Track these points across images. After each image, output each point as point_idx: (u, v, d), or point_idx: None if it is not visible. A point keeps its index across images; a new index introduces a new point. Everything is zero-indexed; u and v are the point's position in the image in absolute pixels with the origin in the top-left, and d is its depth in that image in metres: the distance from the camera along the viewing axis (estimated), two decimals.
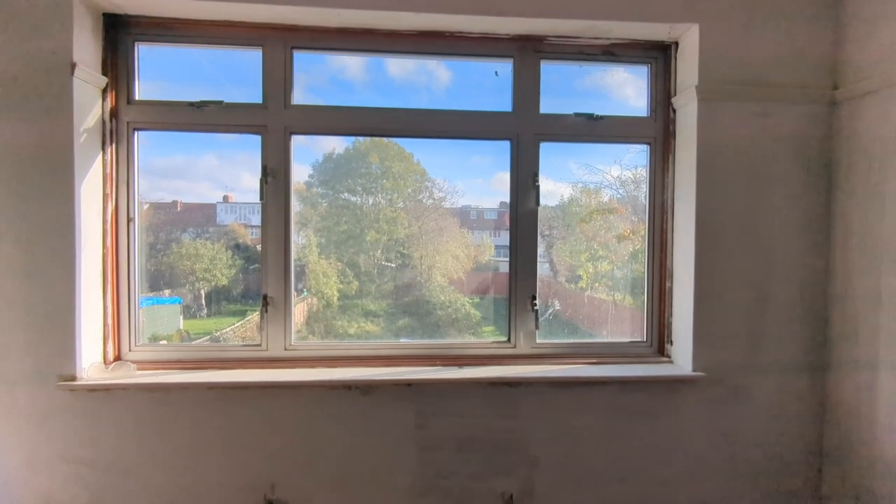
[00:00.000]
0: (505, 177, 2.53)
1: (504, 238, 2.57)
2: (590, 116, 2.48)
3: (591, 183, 2.61)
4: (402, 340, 2.56)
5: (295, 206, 2.47)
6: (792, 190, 2.34)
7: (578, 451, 2.35)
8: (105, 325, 2.33)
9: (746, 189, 2.33)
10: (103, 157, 2.28)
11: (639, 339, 2.61)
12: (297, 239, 2.49)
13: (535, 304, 2.49)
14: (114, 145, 2.32)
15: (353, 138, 2.57)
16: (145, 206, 2.48)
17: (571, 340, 2.60)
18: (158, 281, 2.56)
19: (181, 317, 2.62)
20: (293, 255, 2.46)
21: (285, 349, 2.46)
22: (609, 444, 2.35)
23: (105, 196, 2.30)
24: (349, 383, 2.24)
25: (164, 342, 2.53)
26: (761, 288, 2.35)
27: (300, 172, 2.49)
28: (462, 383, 2.28)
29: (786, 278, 2.35)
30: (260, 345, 2.46)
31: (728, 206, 2.32)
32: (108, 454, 2.20)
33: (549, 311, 2.66)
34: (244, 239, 2.62)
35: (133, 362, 2.36)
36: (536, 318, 2.49)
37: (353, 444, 2.27)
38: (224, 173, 2.53)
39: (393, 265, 2.63)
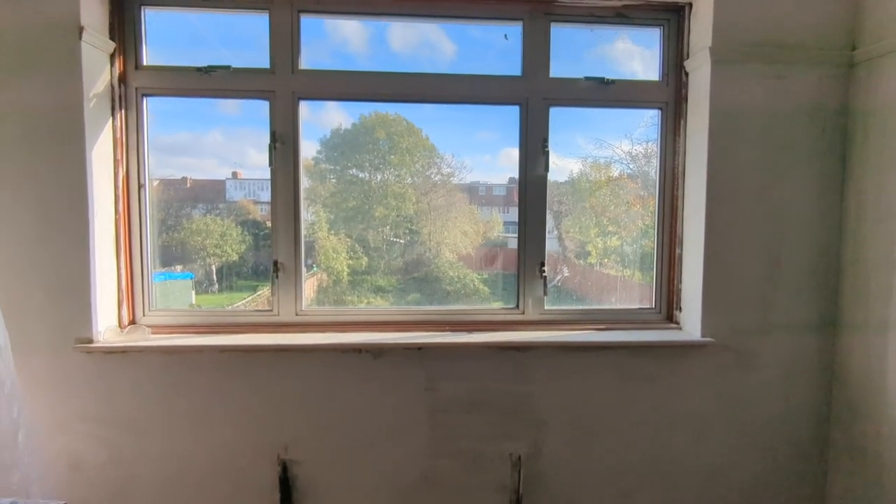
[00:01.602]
0: (512, 153, 2.51)
1: (513, 214, 2.57)
2: (601, 80, 2.44)
3: (602, 157, 2.59)
4: (411, 307, 2.57)
5: (304, 182, 2.48)
6: (806, 154, 2.31)
7: (586, 415, 2.37)
8: (119, 289, 2.37)
9: (759, 153, 2.30)
10: (113, 122, 2.29)
11: (647, 307, 2.61)
12: (306, 215, 2.50)
13: (544, 271, 2.49)
14: (123, 111, 2.32)
15: (359, 113, 2.56)
16: (156, 183, 2.50)
17: (580, 307, 2.61)
18: (170, 256, 2.59)
19: (193, 292, 2.65)
20: (303, 225, 2.47)
21: (296, 314, 2.49)
22: (616, 408, 2.38)
23: (116, 162, 2.31)
24: (360, 347, 2.27)
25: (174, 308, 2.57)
26: (773, 253, 2.33)
27: (308, 149, 2.48)
28: (471, 347, 2.31)
29: (798, 243, 2.33)
30: (271, 310, 2.49)
31: (740, 170, 2.29)
32: (125, 414, 2.25)
33: (558, 277, 2.66)
34: (254, 215, 2.64)
35: (147, 326, 2.40)
36: (545, 285, 2.50)
37: (364, 406, 2.31)
38: (230, 150, 2.53)
39: (402, 241, 2.63)
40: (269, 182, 2.43)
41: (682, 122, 2.46)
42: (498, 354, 2.32)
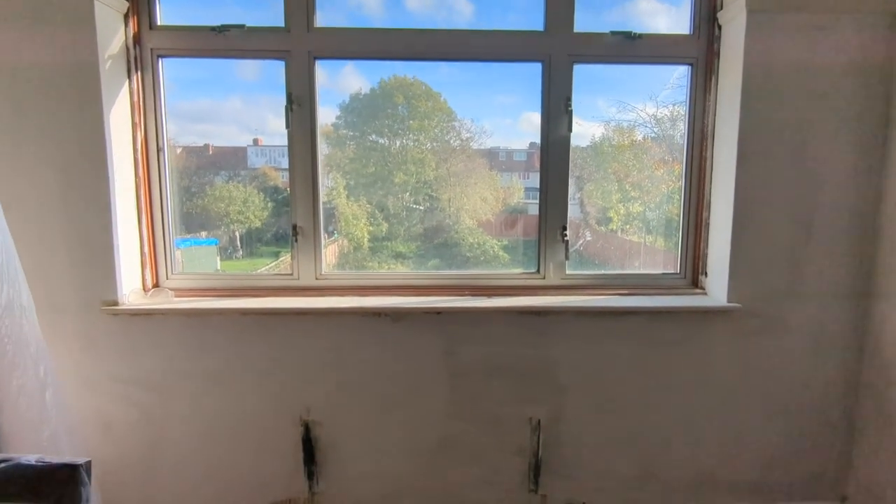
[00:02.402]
0: (533, 117, 2.43)
1: (534, 180, 2.52)
2: (627, 35, 2.33)
3: (625, 121, 2.50)
4: (431, 271, 2.56)
5: (323, 148, 2.45)
6: (846, 113, 2.19)
7: (607, 381, 2.36)
8: (142, 253, 2.39)
9: (795, 112, 2.18)
10: (129, 84, 2.27)
11: (672, 272, 2.55)
12: (326, 181, 2.49)
13: (566, 235, 2.44)
14: (139, 73, 2.30)
15: (378, 78, 2.51)
16: (179, 150, 2.51)
17: (602, 272, 2.56)
18: (195, 223, 2.60)
19: (218, 258, 2.67)
20: (321, 188, 2.45)
21: (316, 278, 2.49)
22: (638, 374, 2.35)
23: (134, 125, 2.30)
24: (379, 310, 2.27)
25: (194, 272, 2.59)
26: (806, 215, 2.24)
27: (327, 115, 2.45)
28: (491, 312, 2.29)
29: (833, 205, 2.24)
30: (291, 274, 2.50)
31: (774, 129, 2.19)
32: (152, 376, 2.30)
33: (580, 242, 2.61)
34: (275, 181, 2.64)
35: (170, 289, 2.43)
36: (566, 249, 2.45)
37: (385, 369, 2.33)
38: (250, 116, 2.51)
39: (421, 207, 2.61)
40: (287, 146, 2.41)
41: (713, 78, 2.34)
42: (518, 319, 2.30)
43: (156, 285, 2.47)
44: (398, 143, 2.53)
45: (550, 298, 2.39)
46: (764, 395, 2.38)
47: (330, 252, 2.58)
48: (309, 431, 2.35)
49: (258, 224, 2.62)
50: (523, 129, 2.55)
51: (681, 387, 2.37)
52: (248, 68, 2.47)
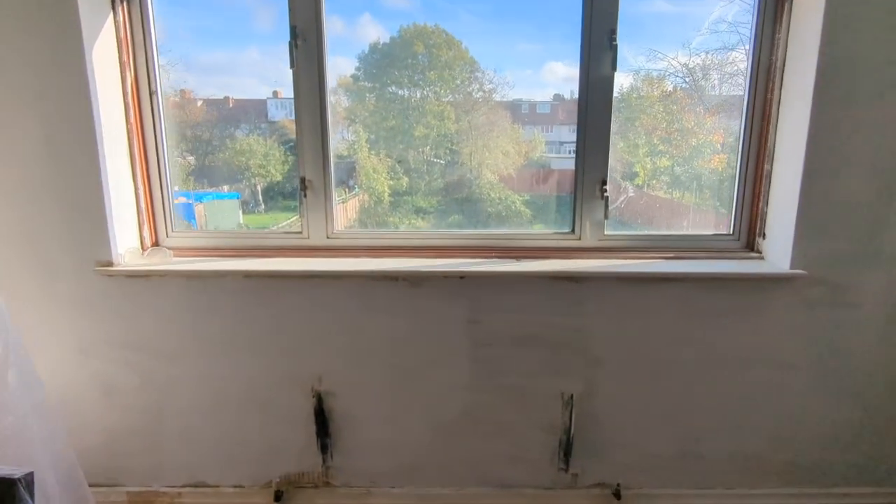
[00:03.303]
0: (556, 67, 2.19)
1: (557, 133, 2.42)
2: None
3: (655, 70, 2.25)
4: (453, 230, 2.31)
5: (343, 100, 2.29)
6: None
7: (648, 354, 2.12)
8: (138, 209, 2.19)
9: (886, 45, 1.83)
10: (114, 17, 2.00)
11: (724, 233, 2.26)
12: (346, 135, 2.40)
13: (606, 191, 2.16)
14: (124, 4, 2.03)
15: (398, 26, 2.31)
16: (199, 103, 2.42)
17: (645, 232, 2.28)
18: (217, 176, 2.54)
19: (240, 211, 2.59)
20: (331, 136, 2.20)
21: (327, 237, 2.27)
22: (683, 347, 2.11)
23: (122, 65, 2.05)
24: (396, 274, 2.05)
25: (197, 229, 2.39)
26: (890, 170, 1.92)
27: (345, 66, 2.29)
28: (520, 277, 2.05)
29: None
30: (300, 232, 2.28)
31: (860, 61, 1.84)
32: (152, 340, 2.14)
33: (622, 199, 2.32)
34: (295, 135, 2.41)
35: (170, 248, 2.24)
36: (606, 207, 2.18)
37: (402, 337, 2.12)
38: (267, 68, 2.38)
39: (442, 161, 2.49)
40: (293, 89, 2.15)
41: (786, 3, 1.98)
42: (549, 285, 2.06)
43: (155, 244, 2.28)
44: (418, 94, 2.42)
45: (586, 262, 2.13)
46: (827, 374, 2.12)
47: (350, 207, 2.51)
48: (322, 402, 2.19)
49: (279, 178, 2.53)
50: (546, 79, 2.34)
51: (731, 362, 2.12)
52: (264, 18, 2.29)
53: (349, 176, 2.46)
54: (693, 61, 2.21)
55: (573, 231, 2.25)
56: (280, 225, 2.52)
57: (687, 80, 2.29)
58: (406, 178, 2.46)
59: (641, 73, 2.24)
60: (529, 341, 2.11)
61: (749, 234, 2.22)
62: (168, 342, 2.14)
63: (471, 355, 2.13)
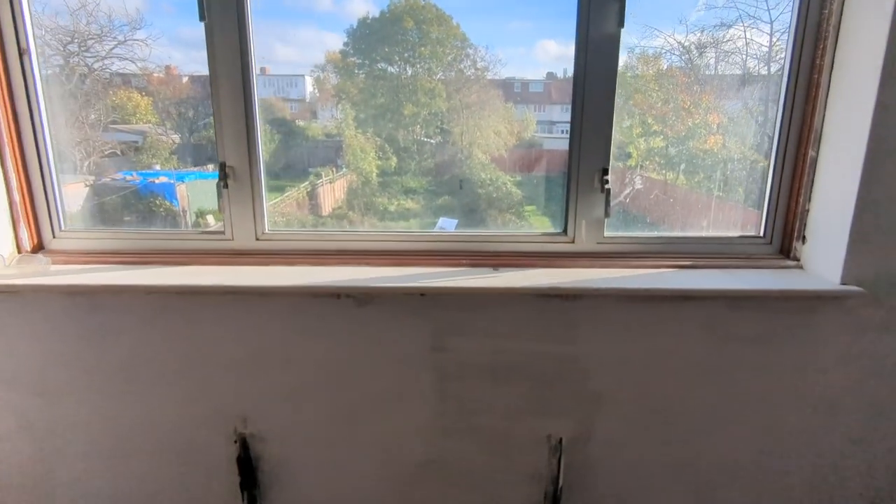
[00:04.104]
0: (549, 45, 1.97)
1: (549, 113, 2.34)
2: None
3: (650, 48, 2.07)
4: (416, 231, 1.85)
5: (331, 77, 2.15)
6: None
7: (657, 390, 1.69)
8: (11, 201, 1.70)
9: None
10: None
11: (752, 234, 1.82)
12: (334, 113, 2.32)
13: (607, 182, 1.71)
14: None
15: (387, 1, 2.15)
16: (184, 79, 2.29)
17: (653, 234, 1.84)
18: (202, 155, 2.43)
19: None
20: (257, 109, 1.72)
21: (257, 238, 1.80)
22: (701, 382, 1.68)
23: None
24: (338, 290, 1.59)
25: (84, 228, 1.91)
26: None
27: (334, 41, 2.19)
28: (496, 295, 1.60)
29: None
30: (223, 232, 1.81)
31: None
32: (30, 373, 1.68)
33: (626, 192, 1.87)
34: (283, 113, 2.49)
35: (58, 253, 1.77)
36: (607, 202, 1.72)
37: (348, 368, 1.68)
38: (256, 44, 2.17)
39: (433, 141, 2.39)
40: (206, 48, 1.67)
41: None
42: (535, 303, 1.62)
43: (38, 247, 1.80)
44: (409, 71, 2.35)
45: (581, 273, 1.68)
46: (883, 420, 1.71)
47: (339, 187, 2.43)
48: (247, 448, 1.74)
49: (265, 157, 2.33)
50: (539, 57, 2.23)
51: (762, 398, 1.70)
52: None
53: (336, 155, 2.37)
54: (689, 39, 2.03)
55: (565, 232, 1.80)
56: (269, 203, 2.26)
57: (683, 58, 2.13)
58: (395, 158, 2.37)
59: (636, 51, 2.06)
60: (509, 373, 1.68)
61: (785, 237, 1.78)
62: (50, 376, 1.68)
63: (436, 390, 1.69)
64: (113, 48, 2.03)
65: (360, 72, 2.34)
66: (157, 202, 2.27)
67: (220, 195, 1.77)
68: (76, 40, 1.93)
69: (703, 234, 1.85)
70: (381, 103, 2.36)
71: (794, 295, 1.59)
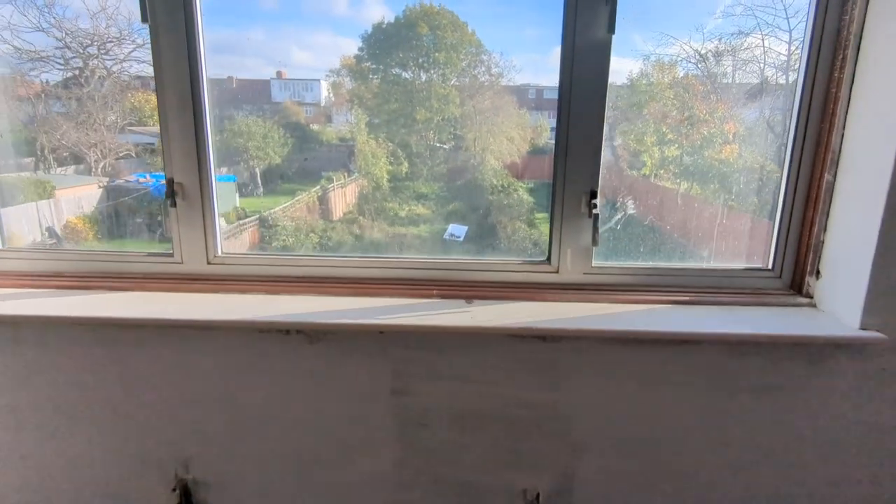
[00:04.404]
0: None
1: None
2: None
3: (666, 56, 2.04)
4: (382, 256, 1.67)
5: (346, 82, 2.21)
6: None
7: (649, 442, 1.50)
8: None
9: None
10: None
11: (759, 266, 1.63)
12: (348, 117, 2.34)
13: (595, 206, 1.52)
14: None
15: (403, 6, 2.15)
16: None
17: (647, 264, 1.64)
18: (216, 158, 2.26)
19: (237, 194, 2.49)
20: (209, 120, 1.56)
21: (208, 262, 1.64)
22: (700, 433, 1.48)
23: None
24: (287, 325, 1.41)
25: (31, 246, 1.75)
26: None
27: (349, 46, 2.21)
28: (465, 334, 1.41)
29: None
30: (172, 254, 1.64)
31: None
32: None
33: (619, 216, 1.68)
34: (297, 117, 2.51)
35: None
36: (595, 228, 1.54)
37: (300, 411, 1.50)
38: (273, 49, 2.34)
39: (446, 147, 2.38)
40: (150, 49, 1.51)
41: None
42: (510, 344, 1.43)
43: None
44: (423, 76, 2.35)
45: (565, 308, 1.49)
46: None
47: (350, 192, 2.44)
48: (189, 495, 1.57)
49: (278, 161, 2.46)
50: (554, 64, 2.19)
51: (767, 453, 1.50)
52: None
53: (349, 160, 2.38)
54: (706, 47, 1.99)
55: (549, 260, 1.61)
56: (273, 210, 2.43)
57: (699, 66, 2.08)
58: (406, 164, 2.37)
59: (652, 59, 2.02)
60: (480, 420, 1.49)
61: (796, 271, 1.58)
62: None
63: (398, 438, 1.51)
64: (132, 51, 2.06)
65: (375, 77, 2.34)
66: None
67: (166, 214, 1.60)
68: (95, 43, 1.93)
69: (704, 265, 1.65)
70: (395, 108, 2.35)
71: (807, 341, 1.39)
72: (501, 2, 2.17)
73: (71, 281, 1.62)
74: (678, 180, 2.20)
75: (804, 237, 1.55)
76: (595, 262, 1.60)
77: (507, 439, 1.50)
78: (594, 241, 1.55)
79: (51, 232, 2.63)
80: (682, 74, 2.13)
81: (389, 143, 2.36)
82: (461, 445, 1.50)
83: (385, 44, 2.31)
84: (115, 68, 2.10)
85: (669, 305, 1.53)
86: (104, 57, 1.98)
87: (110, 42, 1.99)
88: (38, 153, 2.47)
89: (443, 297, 1.56)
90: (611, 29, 1.41)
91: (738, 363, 1.42)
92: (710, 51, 2.03)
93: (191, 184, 1.58)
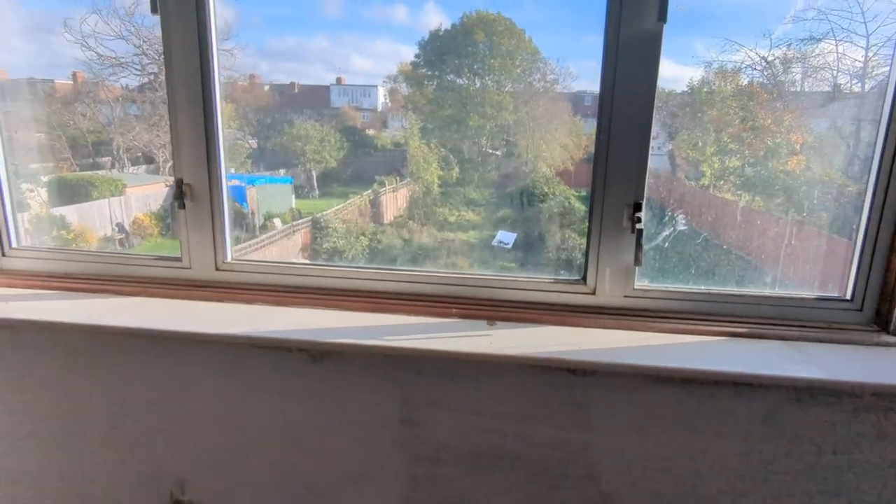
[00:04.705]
0: None
1: None
2: None
3: (730, 63, 1.99)
4: (399, 268, 1.52)
5: (403, 88, 2.26)
6: None
7: (693, 498, 1.29)
8: None
9: None
10: None
11: (835, 296, 1.39)
12: (404, 123, 2.39)
13: (639, 220, 1.33)
14: None
15: (460, 13, 2.22)
16: (265, 87, 2.44)
17: (699, 288, 1.43)
18: (275, 160, 2.54)
19: (293, 196, 2.57)
20: (218, 111, 1.46)
21: (216, 268, 1.54)
22: (755, 496, 1.26)
23: None
24: (287, 343, 1.29)
25: (51, 246, 1.70)
26: None
27: (406, 53, 2.31)
28: (483, 360, 1.25)
29: None
30: (180, 258, 1.56)
31: None
32: None
33: (667, 232, 1.47)
34: (354, 121, 2.58)
35: (7, 273, 1.60)
36: (638, 245, 1.34)
37: (300, 434, 1.38)
38: (334, 55, 2.49)
39: (498, 153, 2.40)
40: (162, 43, 1.42)
41: None
42: (536, 375, 1.26)
43: None
44: (478, 82, 2.38)
45: (600, 336, 1.31)
46: None
47: (401, 196, 2.48)
48: None
49: (333, 164, 2.56)
50: None
51: None
52: (332, 4, 2.35)
53: (401, 164, 2.43)
54: (773, 53, 1.92)
55: (584, 280, 1.42)
56: (325, 212, 2.47)
57: (766, 73, 2.02)
58: (458, 169, 2.39)
59: (714, 66, 1.98)
60: (498, 460, 1.32)
61: (882, 303, 1.33)
62: None
63: (405, 473, 1.36)
64: None
65: (430, 83, 2.36)
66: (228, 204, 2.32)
67: (174, 216, 1.52)
68: None
69: (768, 291, 1.42)
70: (449, 114, 2.37)
71: (893, 391, 1.16)
72: (560, 8, 2.15)
73: (79, 283, 1.56)
74: (739, 192, 2.08)
75: (893, 263, 1.30)
76: (637, 284, 1.40)
77: (526, 483, 1.32)
78: (637, 260, 1.36)
79: (120, 227, 2.72)
80: (746, 82, 2.04)
81: (442, 149, 2.36)
82: (475, 486, 1.34)
83: (441, 50, 2.31)
84: None
85: (724, 338, 1.32)
86: None
87: None
88: (115, 153, 2.58)
89: (462, 316, 1.40)
90: (662, 17, 1.22)
91: (805, 414, 1.19)
92: (777, 57, 1.93)
93: (200, 185, 1.49)
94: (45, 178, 2.89)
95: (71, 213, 2.82)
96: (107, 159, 2.75)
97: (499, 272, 1.52)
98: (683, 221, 1.54)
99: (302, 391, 1.33)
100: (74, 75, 2.76)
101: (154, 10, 1.39)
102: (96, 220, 2.85)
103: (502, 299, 1.45)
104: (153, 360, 1.37)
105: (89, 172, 2.82)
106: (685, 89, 2.07)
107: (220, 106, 1.47)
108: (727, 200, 1.90)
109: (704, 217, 1.64)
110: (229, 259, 1.55)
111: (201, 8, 1.38)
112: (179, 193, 1.50)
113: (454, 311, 1.41)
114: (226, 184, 1.52)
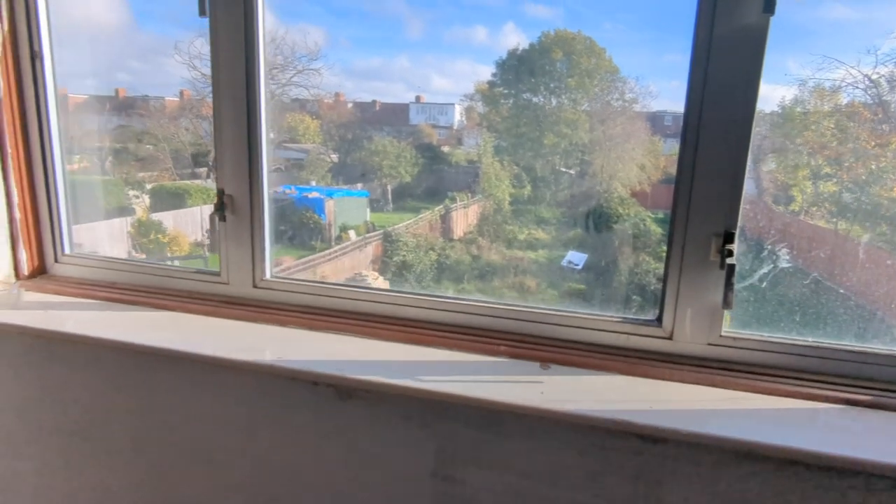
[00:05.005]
0: None
1: None
2: None
3: (828, 81, 1.92)
4: (444, 298, 1.36)
5: (479, 107, 2.30)
6: None
7: None
8: (11, 218, 1.54)
9: None
10: None
11: None
12: (478, 140, 2.40)
13: (731, 253, 1.09)
14: None
15: (539, 32, 2.23)
16: (349, 105, 2.58)
17: (805, 340, 1.16)
18: (353, 174, 2.65)
19: (368, 209, 2.64)
20: (263, 121, 1.38)
21: (254, 285, 1.46)
22: None
23: None
24: (312, 376, 1.16)
25: (98, 254, 1.69)
26: None
27: (483, 72, 2.33)
28: (534, 416, 1.06)
29: None
30: (219, 273, 1.49)
31: None
32: None
33: (766, 269, 1.21)
34: (430, 138, 2.62)
35: (59, 280, 1.61)
36: (729, 284, 1.10)
37: (327, 477, 1.24)
38: (415, 75, 2.61)
39: (572, 172, 2.38)
40: (210, 47, 1.37)
41: None
42: (592, 437, 1.05)
43: (38, 270, 1.63)
44: (554, 101, 2.37)
45: (678, 392, 1.09)
46: None
47: (472, 212, 2.50)
48: None
49: (408, 179, 2.61)
50: None
51: None
52: (415, 27, 2.45)
53: (473, 181, 2.45)
54: (878, 71, 1.83)
55: (659, 321, 1.20)
56: (396, 226, 2.53)
57: (869, 92, 1.92)
58: (529, 187, 2.38)
59: (810, 84, 1.92)
60: None
61: None
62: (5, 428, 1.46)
63: None
64: (292, 76, 2.31)
65: (506, 101, 2.38)
66: (308, 215, 2.45)
67: (214, 228, 1.45)
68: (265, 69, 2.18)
69: (889, 349, 1.13)
70: (523, 132, 2.37)
71: None
72: (641, 27, 2.11)
73: (122, 294, 1.52)
74: (834, 219, 1.95)
75: None
76: (726, 330, 1.16)
77: None
78: (726, 302, 1.12)
79: (208, 234, 2.92)
80: (845, 101, 1.97)
81: (514, 166, 2.36)
82: None
83: (518, 69, 2.31)
84: (277, 91, 2.31)
85: (840, 406, 1.05)
86: (270, 82, 2.19)
87: (275, 69, 2.20)
88: (210, 164, 2.74)
89: (511, 355, 1.22)
90: (769, 8, 1.00)
91: None
92: (883, 76, 1.85)
93: (241, 197, 1.42)
94: (149, 186, 3.18)
95: (167, 218, 3.06)
96: (203, 169, 2.96)
97: (560, 301, 1.33)
98: (787, 257, 1.28)
99: (327, 429, 1.20)
100: (181, 93, 3.08)
101: (202, 12, 1.34)
102: (188, 225, 3.06)
103: (559, 338, 1.25)
104: (177, 381, 1.29)
105: (186, 182, 3.04)
106: (775, 109, 2.01)
107: (266, 115, 1.40)
108: (844, 235, 1.62)
109: (815, 253, 1.36)
110: (268, 276, 1.46)
111: (249, 15, 1.31)
112: (220, 205, 1.43)
113: (502, 347, 1.23)
114: (268, 197, 1.44)
